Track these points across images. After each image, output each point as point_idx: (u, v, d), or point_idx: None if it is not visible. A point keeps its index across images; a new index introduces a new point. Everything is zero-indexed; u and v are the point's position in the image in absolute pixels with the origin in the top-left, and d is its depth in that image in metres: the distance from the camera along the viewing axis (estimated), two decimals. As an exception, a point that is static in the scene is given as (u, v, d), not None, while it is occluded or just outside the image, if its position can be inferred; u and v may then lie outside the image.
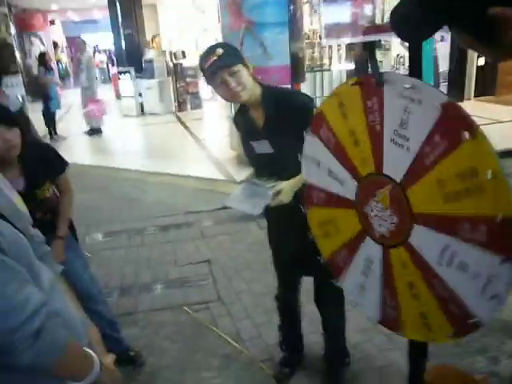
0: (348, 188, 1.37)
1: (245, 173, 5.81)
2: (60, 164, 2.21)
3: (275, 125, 1.84)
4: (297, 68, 5.77)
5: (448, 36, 8.31)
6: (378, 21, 6.18)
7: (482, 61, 9.19)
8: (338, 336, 2.22)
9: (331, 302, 2.14)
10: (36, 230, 1.18)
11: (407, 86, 1.09)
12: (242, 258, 3.68)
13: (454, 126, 1.01)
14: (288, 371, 2.30)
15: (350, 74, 9.42)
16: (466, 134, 0.97)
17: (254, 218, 4.51)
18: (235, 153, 6.41)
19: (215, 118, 10.52)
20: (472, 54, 8.90)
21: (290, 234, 1.96)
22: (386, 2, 6.27)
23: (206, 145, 7.59)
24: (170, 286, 3.29)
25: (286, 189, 1.78)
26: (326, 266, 1.82)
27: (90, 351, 1.06)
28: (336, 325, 2.20)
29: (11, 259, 0.88)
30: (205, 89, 10.96)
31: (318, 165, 1.52)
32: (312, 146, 1.53)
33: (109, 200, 5.26)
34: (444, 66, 9.24)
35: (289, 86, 5.53)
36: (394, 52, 9.67)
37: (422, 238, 1.15)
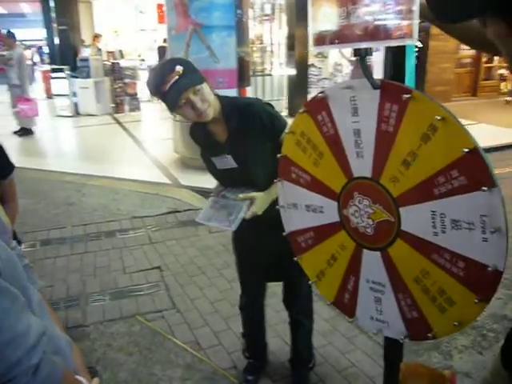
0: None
1: (190, 176, 5.72)
2: (7, 164, 1.93)
3: (239, 139, 1.76)
4: (243, 72, 5.77)
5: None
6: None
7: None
8: (306, 337, 2.21)
9: (302, 302, 2.13)
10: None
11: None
12: (194, 264, 3.59)
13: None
14: (253, 379, 2.25)
15: (290, 79, 9.61)
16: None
17: (203, 222, 4.45)
18: (179, 156, 6.29)
19: (155, 120, 10.28)
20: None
21: (264, 242, 1.91)
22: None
23: (147, 148, 7.37)
24: (120, 294, 3.12)
25: (258, 199, 1.74)
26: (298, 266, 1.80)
27: (81, 378, 0.95)
28: (305, 325, 2.19)
29: (6, 282, 0.76)
30: (143, 90, 10.67)
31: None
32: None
33: (45, 205, 4.93)
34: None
35: (235, 90, 5.52)
36: (332, 60, 9.98)
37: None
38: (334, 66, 10.06)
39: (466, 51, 12.07)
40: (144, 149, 7.34)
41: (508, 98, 11.15)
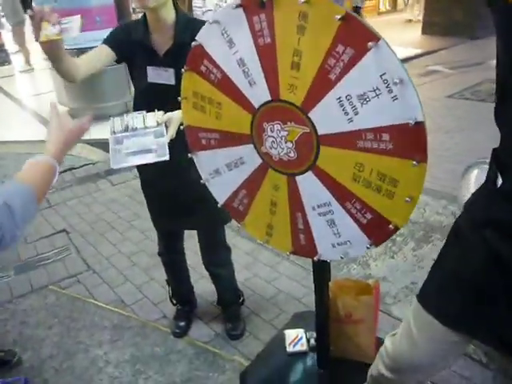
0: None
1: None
2: None
3: (183, 53, 1.52)
4: (122, 8, 5.27)
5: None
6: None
7: None
8: (228, 283, 2.19)
9: (219, 254, 2.08)
10: None
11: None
12: (102, 220, 3.38)
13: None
14: (184, 324, 2.22)
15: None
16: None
17: (104, 175, 4.18)
18: (65, 108, 5.75)
19: (30, 72, 9.24)
20: None
21: (174, 187, 1.80)
22: None
23: (27, 104, 6.63)
24: (26, 267, 2.86)
25: (175, 120, 1.55)
26: (216, 213, 1.74)
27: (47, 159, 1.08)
28: (227, 277, 2.17)
29: None
30: (10, 41, 9.45)
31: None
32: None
33: None
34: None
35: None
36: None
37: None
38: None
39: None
40: (23, 106, 6.60)
41: (410, 17, 11.51)
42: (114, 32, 1.74)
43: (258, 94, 1.18)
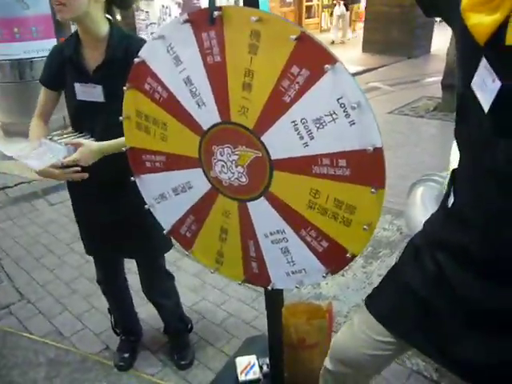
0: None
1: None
2: None
3: (114, 70, 1.48)
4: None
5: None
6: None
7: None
8: (173, 312, 2.06)
9: (161, 283, 1.96)
10: None
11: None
12: (39, 243, 3.16)
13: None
14: (129, 355, 2.07)
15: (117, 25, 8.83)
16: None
17: (41, 194, 3.93)
18: (-1, 123, 5.40)
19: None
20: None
21: (104, 211, 1.68)
22: None
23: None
24: (-50, 298, 2.60)
25: (85, 147, 1.46)
26: (155, 240, 1.67)
27: None
28: (172, 306, 2.03)
29: None
30: None
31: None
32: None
33: None
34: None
35: (54, 40, 4.83)
36: (159, 2, 9.41)
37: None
38: (161, 9, 9.53)
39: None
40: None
41: (335, 39, 11.87)
42: (47, 62, 1.63)
43: (207, 116, 1.12)
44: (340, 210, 1.02)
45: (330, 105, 0.92)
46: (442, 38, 8.54)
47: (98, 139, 1.51)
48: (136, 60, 1.19)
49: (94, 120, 1.53)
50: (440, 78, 5.80)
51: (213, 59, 1.06)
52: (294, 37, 0.92)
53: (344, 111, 0.91)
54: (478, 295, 0.90)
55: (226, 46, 1.03)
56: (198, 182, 1.23)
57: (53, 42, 4.77)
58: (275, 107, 1.00)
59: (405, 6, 9.05)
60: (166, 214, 1.36)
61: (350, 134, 0.92)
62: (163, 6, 9.40)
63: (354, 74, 7.94)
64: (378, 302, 1.14)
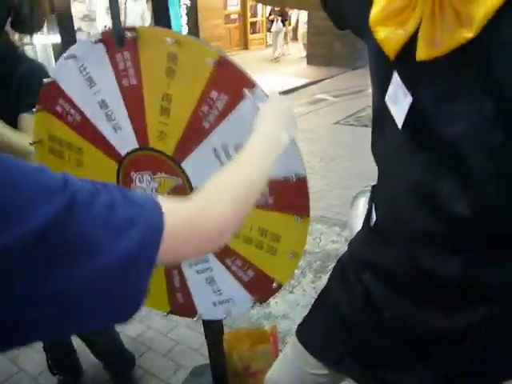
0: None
1: None
2: None
3: None
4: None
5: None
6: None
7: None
8: (111, 350, 1.95)
9: (102, 339, 1.87)
10: None
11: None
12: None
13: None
14: (68, 398, 1.94)
15: (56, 47, 8.56)
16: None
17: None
18: None
19: None
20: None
21: None
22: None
23: None
24: None
25: None
26: None
27: None
28: (106, 343, 1.92)
29: None
30: None
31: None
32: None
33: None
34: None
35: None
36: (100, 22, 9.24)
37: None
38: (103, 29, 9.36)
39: (233, 7, 12.63)
40: None
41: (276, 56, 11.99)
42: None
43: (124, 141, 1.05)
44: (265, 239, 0.98)
45: (251, 130, 0.88)
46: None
47: None
48: (46, 80, 1.11)
49: None
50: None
51: (129, 82, 1.00)
52: (212, 60, 0.88)
53: None
54: (403, 315, 0.86)
55: (141, 69, 0.98)
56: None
57: None
58: (195, 133, 0.96)
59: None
60: None
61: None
62: (105, 27, 9.24)
63: (300, 87, 8.10)
64: (307, 330, 1.05)
